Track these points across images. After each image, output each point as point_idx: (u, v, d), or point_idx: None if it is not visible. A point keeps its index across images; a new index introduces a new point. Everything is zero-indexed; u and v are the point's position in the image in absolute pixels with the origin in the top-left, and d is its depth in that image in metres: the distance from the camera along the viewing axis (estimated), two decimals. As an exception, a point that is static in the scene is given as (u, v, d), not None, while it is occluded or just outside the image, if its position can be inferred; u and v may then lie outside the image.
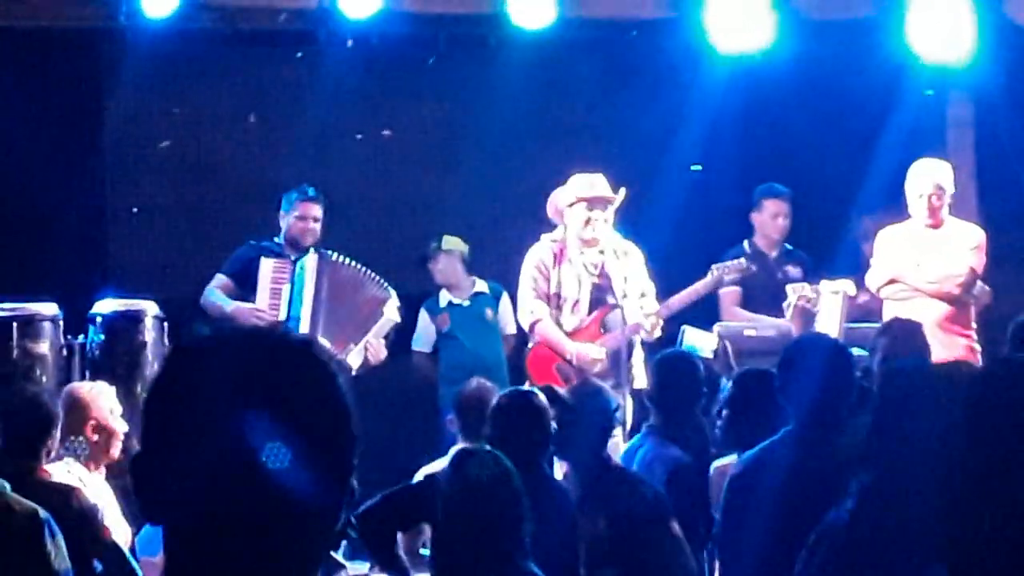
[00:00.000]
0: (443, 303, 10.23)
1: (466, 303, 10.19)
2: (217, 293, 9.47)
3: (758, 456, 5.90)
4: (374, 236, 10.65)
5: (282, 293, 9.47)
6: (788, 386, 5.90)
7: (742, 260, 9.64)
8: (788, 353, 6.18)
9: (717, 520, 6.27)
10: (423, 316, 10.30)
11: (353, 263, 9.62)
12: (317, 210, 9.55)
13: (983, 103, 11.23)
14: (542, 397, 6.52)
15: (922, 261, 9.29)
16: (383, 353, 9.49)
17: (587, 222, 9.17)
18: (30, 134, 9.97)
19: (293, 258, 9.50)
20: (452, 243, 10.20)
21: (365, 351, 9.42)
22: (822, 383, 5.73)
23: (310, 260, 9.45)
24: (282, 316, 9.35)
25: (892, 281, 9.39)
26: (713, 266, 9.53)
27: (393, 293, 9.54)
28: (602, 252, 9.23)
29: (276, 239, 9.59)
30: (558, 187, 9.60)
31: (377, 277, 9.64)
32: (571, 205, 9.23)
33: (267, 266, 9.46)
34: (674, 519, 6.62)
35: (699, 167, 11.13)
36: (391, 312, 9.52)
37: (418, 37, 10.89)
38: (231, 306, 9.42)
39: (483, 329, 10.08)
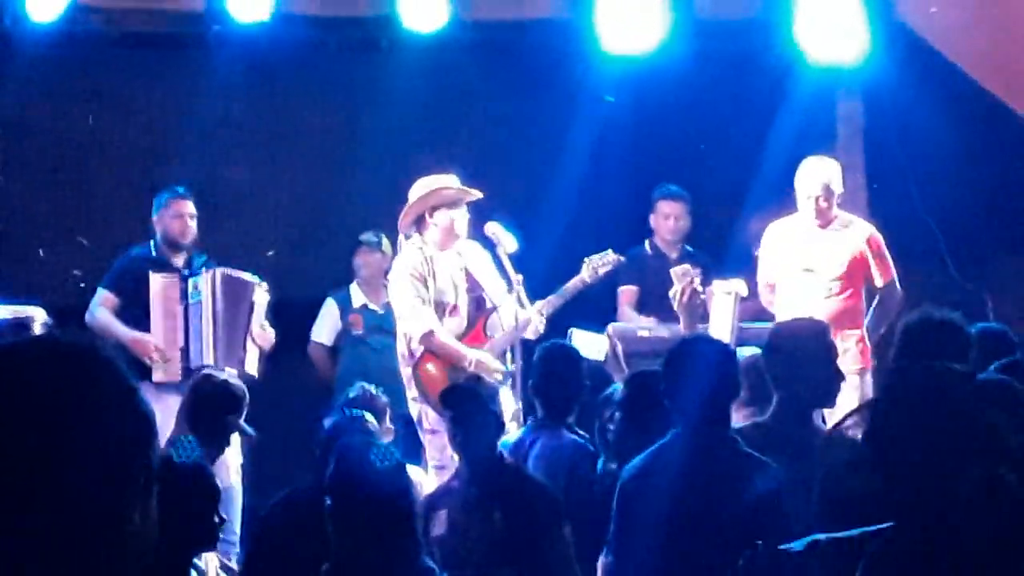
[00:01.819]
0: (356, 303, 10.31)
1: (380, 311, 10.20)
2: (105, 313, 9.38)
3: (649, 460, 5.88)
4: (265, 237, 10.65)
5: (176, 314, 9.35)
6: (674, 388, 5.90)
7: (610, 252, 9.61)
8: (672, 355, 6.19)
9: (610, 527, 6.23)
10: (331, 307, 10.34)
11: (233, 272, 9.53)
12: (190, 207, 9.45)
13: (873, 103, 11.34)
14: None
15: (809, 256, 9.35)
16: (271, 335, 9.50)
17: (453, 222, 9.17)
18: None
19: (181, 271, 9.39)
20: (386, 244, 10.24)
21: (257, 348, 9.39)
22: (708, 384, 5.76)
23: (206, 282, 9.34)
24: (180, 342, 9.23)
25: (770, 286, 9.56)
26: (585, 259, 9.52)
27: (256, 278, 9.50)
28: (459, 254, 9.28)
29: (152, 244, 9.49)
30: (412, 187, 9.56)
31: (246, 274, 9.57)
32: (437, 203, 9.19)
33: (157, 284, 9.32)
34: (566, 521, 6.62)
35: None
36: (261, 297, 9.49)
37: (309, 40, 10.83)
38: (128, 336, 9.29)
39: (391, 340, 9.88)
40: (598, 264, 9.50)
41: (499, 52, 11.39)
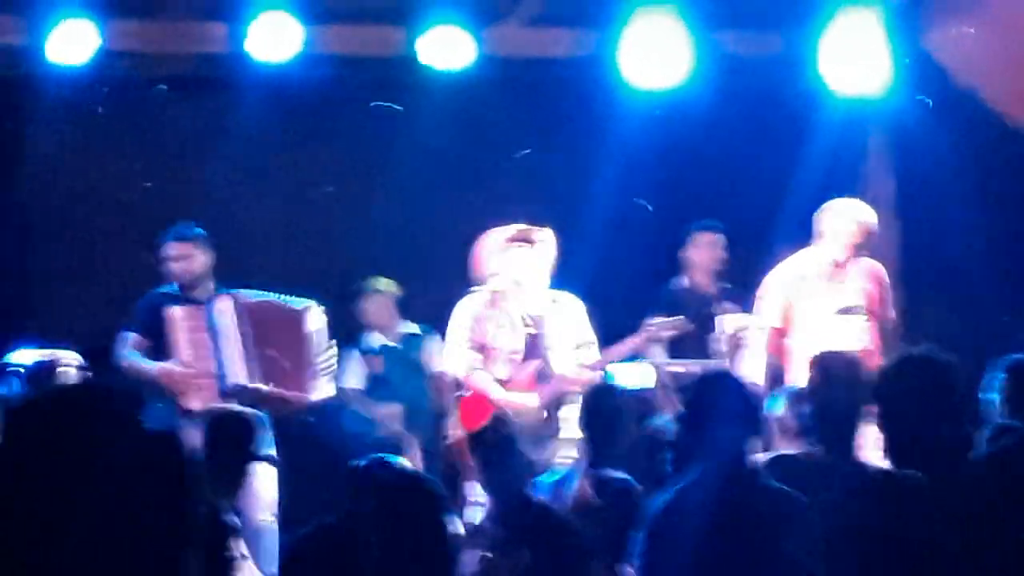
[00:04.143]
0: (375, 344, 10.26)
1: (398, 345, 10.25)
2: (134, 353, 9.33)
3: (678, 496, 5.80)
4: (292, 276, 10.41)
5: (203, 342, 9.28)
6: (698, 423, 5.82)
7: (681, 318, 9.65)
8: (695, 392, 6.17)
9: (637, 563, 6.12)
10: (354, 356, 10.23)
11: (260, 295, 9.45)
12: (176, 248, 9.32)
13: (901, 135, 11.33)
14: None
15: (842, 296, 9.33)
16: (335, 358, 9.43)
17: (523, 268, 9.15)
18: None
19: (200, 301, 9.34)
20: (385, 284, 10.29)
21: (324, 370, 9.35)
22: (734, 419, 5.69)
23: (222, 304, 9.28)
24: (212, 369, 9.16)
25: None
26: (647, 323, 9.57)
27: (309, 302, 9.39)
28: (536, 302, 9.22)
29: (166, 290, 9.43)
30: (476, 227, 9.51)
31: (285, 299, 9.48)
32: (506, 248, 9.19)
33: (175, 316, 9.26)
34: (595, 560, 6.58)
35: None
36: (315, 323, 9.37)
37: (334, 79, 10.83)
38: (155, 368, 9.26)
39: (413, 371, 10.05)
40: (661, 328, 9.60)
41: (524, 89, 11.34)
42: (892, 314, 9.53)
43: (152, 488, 2.30)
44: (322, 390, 9.36)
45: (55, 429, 2.28)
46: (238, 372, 9.02)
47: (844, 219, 9.30)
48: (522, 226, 9.31)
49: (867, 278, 9.40)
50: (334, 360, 9.51)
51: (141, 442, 2.32)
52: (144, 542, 2.32)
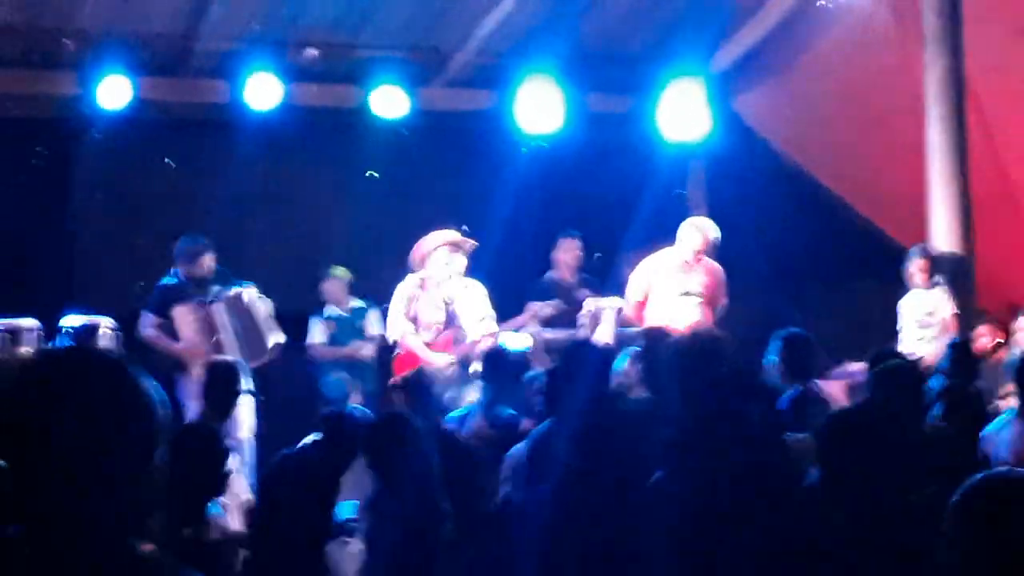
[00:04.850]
0: (332, 314, 10.15)
1: (346, 315, 10.11)
2: (152, 331, 9.21)
3: (549, 427, 5.78)
4: (277, 265, 10.44)
5: (204, 330, 9.16)
6: (566, 376, 5.82)
7: (557, 301, 9.75)
8: (563, 353, 6.22)
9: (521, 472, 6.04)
10: (315, 323, 10.18)
11: (232, 292, 9.29)
12: (190, 250, 9.25)
13: (713, 170, 11.52)
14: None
15: (685, 286, 9.39)
16: (279, 336, 9.35)
17: (446, 263, 9.17)
18: (20, 197, 10.02)
19: (202, 300, 9.18)
20: (340, 272, 10.16)
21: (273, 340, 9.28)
22: (591, 373, 5.73)
23: (219, 309, 9.18)
24: (212, 351, 8.97)
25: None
26: (532, 304, 9.72)
27: (246, 285, 9.33)
28: (451, 286, 9.20)
29: (177, 276, 9.27)
30: (410, 233, 9.45)
31: (238, 288, 9.34)
32: (435, 249, 9.18)
33: (182, 312, 9.18)
34: (486, 473, 6.28)
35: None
36: (253, 294, 9.27)
37: (308, 123, 10.70)
38: (179, 348, 9.18)
39: (356, 334, 10.04)
40: (543, 309, 9.70)
41: (446, 133, 11.29)
42: (724, 300, 9.51)
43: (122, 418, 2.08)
44: (274, 339, 9.24)
45: (55, 376, 2.08)
46: (234, 355, 8.88)
47: (694, 231, 9.34)
48: (455, 235, 9.30)
49: (706, 273, 9.40)
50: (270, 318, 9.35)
51: (117, 387, 2.09)
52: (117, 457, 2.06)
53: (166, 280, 9.32)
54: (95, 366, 2.12)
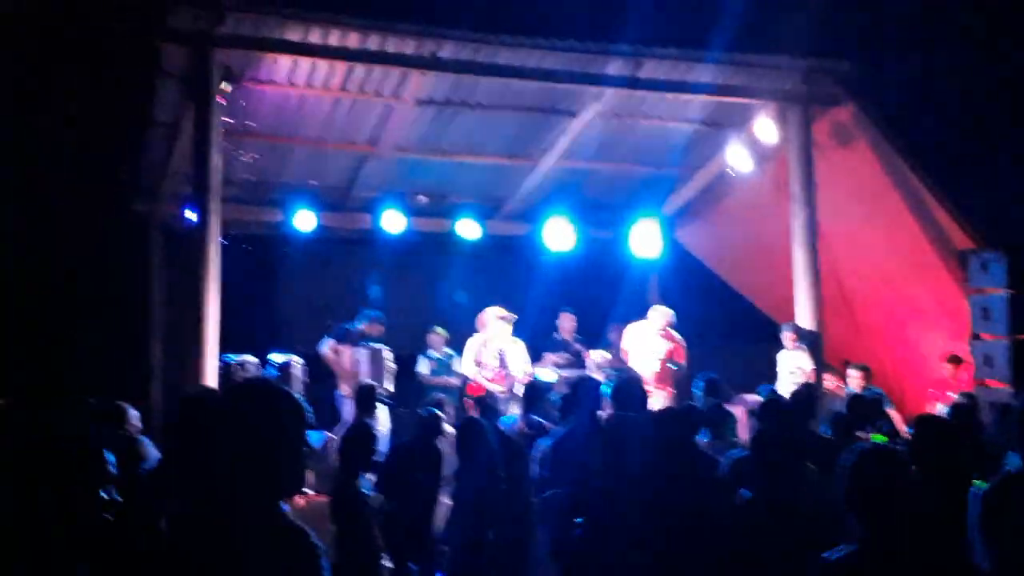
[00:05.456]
0: (431, 355, 9.89)
1: (442, 357, 9.86)
2: (328, 352, 9.17)
3: (566, 431, 5.45)
4: (404, 328, 10.12)
5: (352, 364, 9.14)
6: (575, 399, 5.56)
7: (567, 354, 9.69)
8: (575, 383, 5.94)
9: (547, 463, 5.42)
10: (422, 360, 9.80)
11: (373, 347, 9.12)
12: (366, 324, 9.29)
13: (664, 279, 11.64)
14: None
15: (653, 348, 9.43)
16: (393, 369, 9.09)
17: (498, 328, 9.23)
18: (246, 281, 9.64)
19: (360, 345, 9.18)
20: (439, 330, 9.97)
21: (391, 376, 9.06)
22: (591, 397, 5.42)
23: (366, 353, 9.13)
24: (358, 376, 8.87)
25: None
26: (547, 355, 9.70)
27: (383, 346, 9.10)
28: (503, 342, 9.21)
29: (352, 328, 9.26)
30: (472, 313, 9.56)
31: (379, 345, 9.11)
32: (492, 319, 9.27)
33: (346, 351, 9.15)
34: (525, 460, 5.75)
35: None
36: (388, 354, 9.16)
37: (420, 242, 10.63)
38: (340, 368, 9.08)
39: (447, 371, 9.78)
40: (556, 359, 9.66)
41: (501, 249, 11.27)
42: (683, 361, 9.38)
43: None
44: (387, 384, 8.83)
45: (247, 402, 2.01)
46: (368, 379, 8.44)
47: (660, 314, 9.44)
48: (503, 310, 9.35)
49: (671, 341, 9.37)
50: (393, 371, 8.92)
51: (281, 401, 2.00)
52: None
53: (347, 324, 9.27)
54: (278, 390, 2.08)
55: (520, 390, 7.78)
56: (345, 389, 8.88)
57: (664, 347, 9.30)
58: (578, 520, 3.85)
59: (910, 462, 2.48)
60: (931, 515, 2.41)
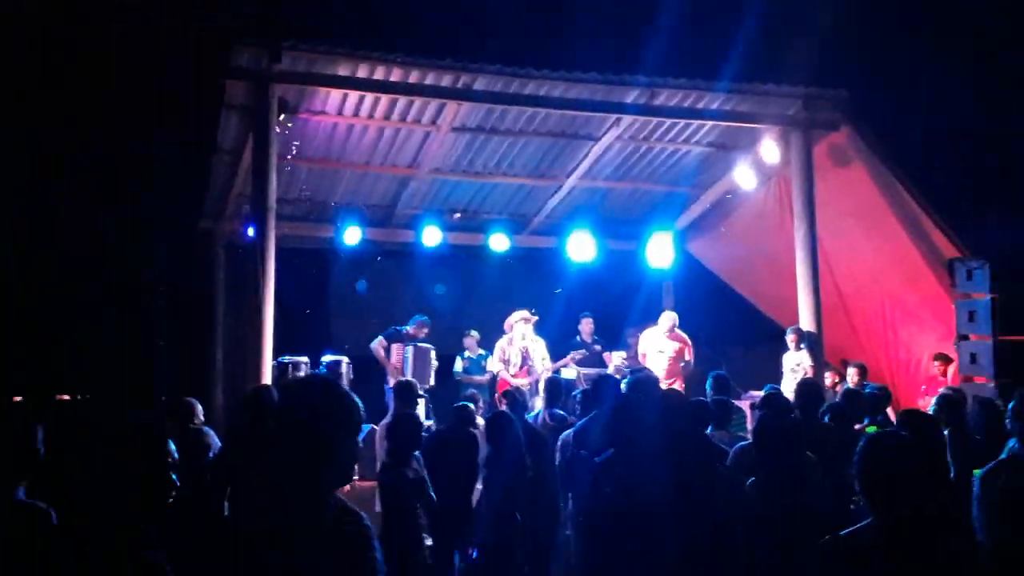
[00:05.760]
0: (467, 355, 9.91)
1: (475, 357, 9.88)
2: (379, 348, 9.15)
3: (587, 422, 5.52)
4: (444, 331, 10.08)
5: (403, 360, 9.12)
6: (596, 392, 5.65)
7: (584, 351, 9.79)
8: (597, 380, 6.04)
9: (568, 454, 5.52)
10: (458, 360, 9.80)
11: (419, 346, 9.08)
12: (415, 327, 9.26)
13: (677, 286, 11.69)
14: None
15: (662, 348, 9.45)
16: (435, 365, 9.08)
17: (523, 328, 9.28)
18: (302, 291, 9.99)
19: (409, 343, 9.16)
20: (473, 333, 9.99)
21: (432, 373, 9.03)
22: (613, 392, 5.42)
23: (411, 350, 9.10)
24: (404, 371, 8.89)
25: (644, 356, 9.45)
26: (572, 352, 9.77)
27: (431, 346, 9.10)
28: (526, 341, 9.29)
29: (405, 327, 9.23)
30: (502, 317, 9.60)
31: (427, 345, 9.05)
32: (517, 321, 9.32)
33: (396, 347, 9.16)
34: (550, 449, 5.79)
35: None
36: (432, 355, 9.12)
37: (456, 254, 10.71)
38: (386, 362, 9.10)
39: (480, 369, 9.77)
40: (575, 355, 9.69)
41: (529, 261, 11.30)
42: (690, 358, 9.37)
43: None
44: (430, 380, 8.70)
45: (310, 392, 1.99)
46: (411, 375, 8.72)
47: (666, 318, 9.48)
48: (527, 313, 9.41)
49: (678, 341, 9.37)
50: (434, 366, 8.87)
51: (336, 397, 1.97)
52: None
53: (398, 327, 9.28)
54: (332, 384, 2.06)
55: (542, 384, 7.77)
56: (393, 383, 8.50)
57: (672, 346, 9.34)
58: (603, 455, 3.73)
59: (917, 447, 2.45)
60: (936, 496, 2.38)
